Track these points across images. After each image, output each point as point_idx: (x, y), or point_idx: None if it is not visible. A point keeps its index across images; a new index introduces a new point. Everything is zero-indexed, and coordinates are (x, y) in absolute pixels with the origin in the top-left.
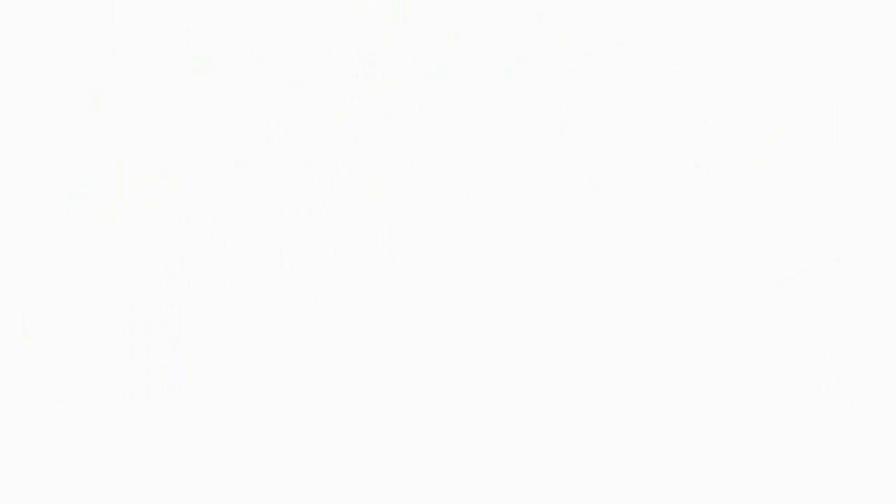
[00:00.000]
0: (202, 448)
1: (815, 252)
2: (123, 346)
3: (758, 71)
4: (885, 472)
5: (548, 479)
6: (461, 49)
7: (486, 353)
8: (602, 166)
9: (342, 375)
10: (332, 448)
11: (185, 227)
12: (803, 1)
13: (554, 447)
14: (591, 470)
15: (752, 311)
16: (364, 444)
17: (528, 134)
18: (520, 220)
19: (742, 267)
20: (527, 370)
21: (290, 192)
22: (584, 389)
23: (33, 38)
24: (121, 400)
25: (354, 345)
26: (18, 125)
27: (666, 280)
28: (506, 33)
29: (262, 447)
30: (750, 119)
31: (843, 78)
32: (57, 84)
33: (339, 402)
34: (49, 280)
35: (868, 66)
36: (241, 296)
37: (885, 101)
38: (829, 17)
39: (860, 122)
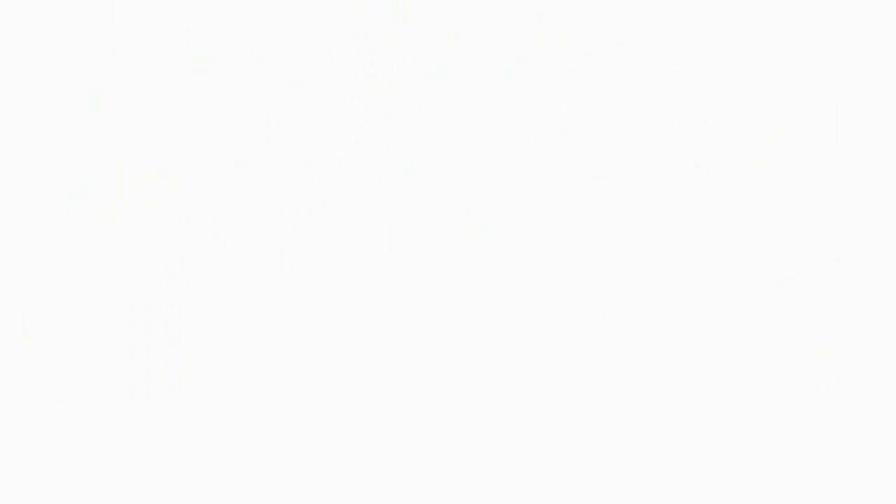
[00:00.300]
0: (202, 448)
1: (815, 252)
2: (123, 346)
3: (758, 71)
4: (885, 472)
5: (548, 480)
6: (461, 49)
7: (486, 354)
8: (602, 166)
9: (342, 375)
10: (332, 448)
11: (185, 227)
12: (803, 1)
13: (554, 447)
14: (591, 470)
15: (753, 311)
16: (364, 444)
17: (528, 134)
18: (520, 220)
19: (742, 267)
20: (527, 370)
21: (290, 192)
22: (584, 389)
23: (33, 38)
24: (121, 400)
25: (354, 345)
26: (18, 125)
27: (666, 280)
28: (506, 33)
29: (262, 447)
30: (750, 119)
31: (844, 78)
32: (57, 84)
33: (340, 402)
34: (49, 280)
35: (868, 66)
36: (241, 296)
37: (886, 101)
38: (829, 17)
39: (860, 122)
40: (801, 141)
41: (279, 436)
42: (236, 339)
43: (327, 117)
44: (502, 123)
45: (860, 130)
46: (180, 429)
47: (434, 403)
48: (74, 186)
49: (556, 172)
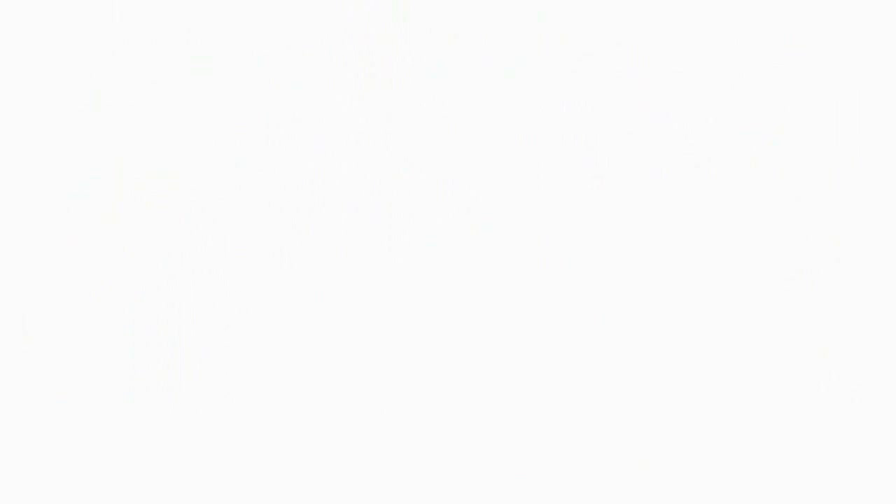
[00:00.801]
0: (202, 448)
1: (815, 252)
2: (123, 346)
3: (758, 71)
4: (885, 472)
5: (546, 479)
6: (461, 49)
7: (485, 354)
8: (602, 166)
9: (342, 375)
10: (332, 448)
11: (185, 227)
12: (803, 1)
13: (553, 447)
14: (591, 470)
15: (753, 311)
16: (364, 444)
17: (528, 134)
18: (520, 220)
19: (742, 267)
20: (527, 370)
21: (290, 192)
22: (583, 389)
23: (33, 38)
24: (121, 400)
25: (354, 345)
26: (18, 125)
27: (666, 280)
28: (506, 33)
29: (262, 447)
30: (750, 119)
31: (844, 78)
32: (57, 84)
33: (339, 403)
34: (49, 280)
35: (868, 66)
36: (242, 296)
37: (886, 101)
38: (829, 17)
39: (860, 122)
40: (801, 141)
41: (279, 436)
42: (236, 339)
43: (327, 117)
44: (502, 123)
45: (860, 130)
46: (180, 429)
47: (434, 403)
48: (74, 186)
49: (556, 172)
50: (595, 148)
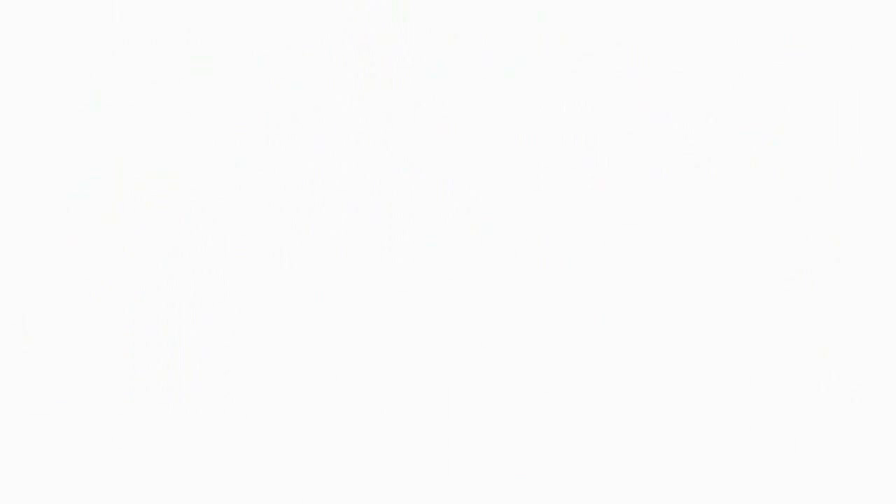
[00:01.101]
0: (202, 448)
1: (815, 252)
2: (123, 346)
3: (758, 71)
4: (885, 472)
5: (548, 480)
6: (461, 49)
7: (485, 354)
8: (602, 166)
9: (342, 375)
10: (332, 448)
11: (185, 227)
12: (803, 1)
13: (554, 447)
14: (591, 470)
15: (753, 311)
16: (364, 444)
17: (528, 134)
18: (520, 220)
19: (742, 267)
20: (526, 370)
21: (290, 192)
22: (583, 389)
23: (33, 38)
24: (121, 400)
25: (354, 345)
26: (18, 125)
27: (666, 280)
28: (506, 33)
29: (262, 447)
30: (750, 119)
31: (844, 78)
32: (57, 84)
33: (340, 403)
34: (49, 280)
35: (868, 66)
36: (242, 296)
37: (886, 101)
38: (829, 17)
39: (860, 122)
40: (801, 141)
41: (279, 436)
42: (236, 339)
43: (327, 117)
44: (502, 123)
45: (860, 130)
46: (180, 429)
47: (434, 404)
48: (74, 186)
49: (556, 172)
50: (595, 148)
